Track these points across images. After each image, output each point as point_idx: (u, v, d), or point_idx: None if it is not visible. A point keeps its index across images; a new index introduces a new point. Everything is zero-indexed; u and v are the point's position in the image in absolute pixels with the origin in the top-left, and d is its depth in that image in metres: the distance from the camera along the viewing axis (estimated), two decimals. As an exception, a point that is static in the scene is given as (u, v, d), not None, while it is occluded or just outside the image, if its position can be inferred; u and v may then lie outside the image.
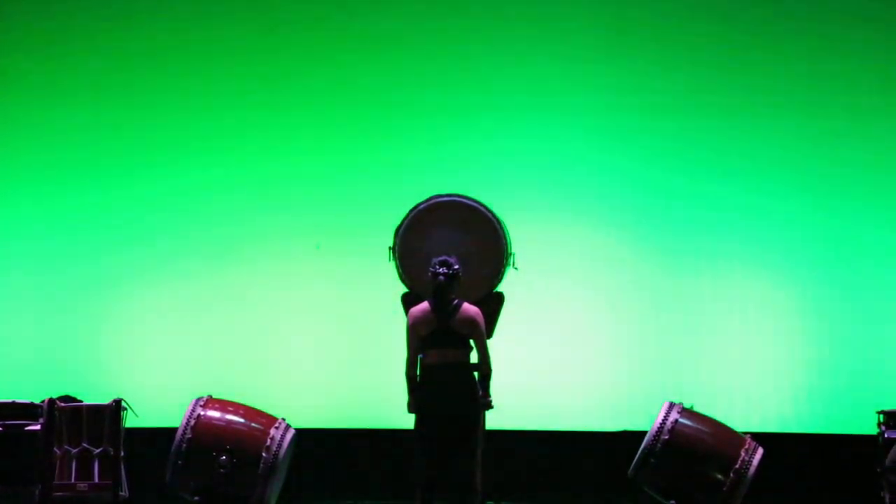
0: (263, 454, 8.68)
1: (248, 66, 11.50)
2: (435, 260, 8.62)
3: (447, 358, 8.51)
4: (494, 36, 11.52)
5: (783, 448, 10.70)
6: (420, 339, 8.56)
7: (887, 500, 9.12)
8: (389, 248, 9.28)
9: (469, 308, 8.61)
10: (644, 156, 11.35)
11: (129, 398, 9.16)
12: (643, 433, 8.88)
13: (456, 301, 8.59)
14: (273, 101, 11.46)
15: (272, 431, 8.76)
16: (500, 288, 9.36)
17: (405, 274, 9.24)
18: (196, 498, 8.82)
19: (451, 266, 8.58)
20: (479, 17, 11.54)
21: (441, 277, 8.53)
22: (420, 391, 8.53)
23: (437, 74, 11.48)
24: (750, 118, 11.37)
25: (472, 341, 8.62)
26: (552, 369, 11.18)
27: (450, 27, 11.55)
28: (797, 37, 11.45)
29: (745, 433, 8.91)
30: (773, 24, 11.44)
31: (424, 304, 8.61)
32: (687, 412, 8.77)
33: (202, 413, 8.75)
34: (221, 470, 8.62)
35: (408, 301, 9.17)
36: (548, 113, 11.41)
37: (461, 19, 11.54)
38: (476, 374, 8.64)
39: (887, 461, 9.04)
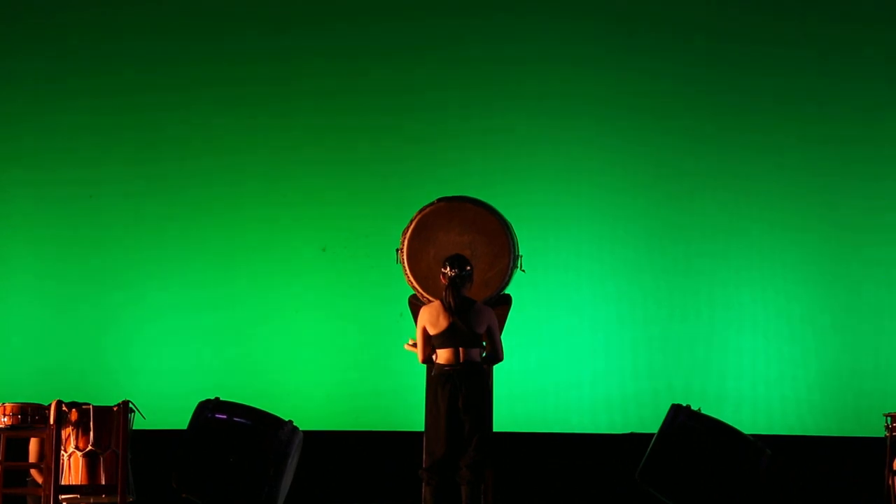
0: (271, 456, 8.72)
1: (254, 70, 11.53)
2: (447, 259, 8.71)
3: (460, 356, 8.58)
4: (499, 37, 11.55)
5: (790, 451, 10.72)
6: (432, 338, 8.63)
7: (894, 501, 9.12)
8: (396, 250, 9.28)
9: (483, 306, 8.70)
10: (653, 158, 11.40)
11: (136, 401, 9.10)
12: (650, 435, 8.93)
13: (469, 299, 8.66)
14: (279, 103, 11.49)
15: (280, 433, 8.79)
16: (507, 290, 9.34)
17: (412, 275, 9.23)
18: (202, 500, 8.84)
19: (464, 265, 8.67)
20: (485, 17, 11.58)
21: (454, 276, 8.62)
22: (432, 390, 8.59)
23: (443, 76, 11.52)
24: (758, 122, 11.42)
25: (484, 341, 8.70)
26: (559, 371, 11.21)
27: (455, 28, 11.58)
28: (802, 39, 11.49)
29: (753, 436, 8.95)
30: (779, 26, 11.48)
31: (436, 303, 8.69)
32: (694, 414, 8.78)
33: (210, 415, 8.77)
34: (229, 472, 8.65)
35: (415, 303, 9.21)
36: (554, 115, 11.44)
37: (466, 19, 11.56)
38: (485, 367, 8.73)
39: (895, 464, 9.07)
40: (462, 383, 8.55)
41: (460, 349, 8.59)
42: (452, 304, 8.61)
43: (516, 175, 11.34)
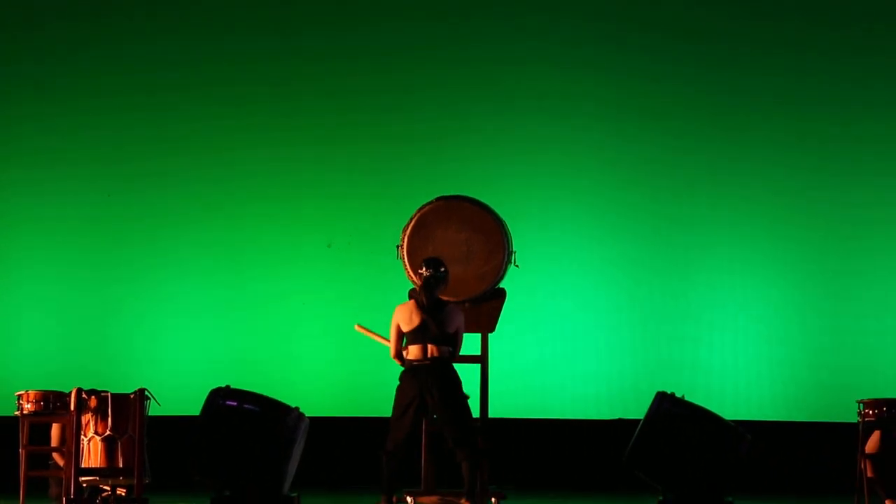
0: (279, 441, 8.77)
1: (260, 71, 11.65)
2: (424, 260, 8.83)
3: (427, 353, 8.71)
4: (499, 39, 11.65)
5: (769, 435, 10.90)
6: (403, 334, 8.78)
7: (866, 483, 9.17)
8: (397, 246, 9.41)
9: (454, 308, 8.81)
10: (644, 155, 11.53)
11: (152, 388, 9.18)
12: (637, 421, 8.99)
13: (441, 300, 8.79)
14: (284, 103, 11.62)
15: (287, 419, 8.81)
16: (502, 284, 9.47)
17: (412, 270, 9.33)
18: (214, 482, 8.88)
19: (439, 267, 8.79)
20: (485, 21, 11.71)
21: (429, 276, 8.74)
22: (402, 382, 8.74)
23: (442, 79, 11.65)
24: (744, 121, 11.57)
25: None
26: (551, 361, 11.34)
27: (454, 32, 11.70)
28: (784, 40, 11.63)
29: (733, 421, 8.98)
30: (774, 29, 11.65)
31: (410, 302, 8.81)
32: (678, 401, 8.81)
33: (221, 402, 8.80)
34: (239, 456, 8.75)
35: (414, 296, 9.18)
36: (554, 115, 11.59)
37: (466, 23, 11.71)
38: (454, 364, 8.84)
39: (866, 448, 9.17)
40: (429, 377, 8.68)
41: (429, 346, 8.71)
42: (425, 302, 8.73)
43: (512, 174, 11.46)
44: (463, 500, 8.77)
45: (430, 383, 8.69)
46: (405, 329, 8.80)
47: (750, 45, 11.61)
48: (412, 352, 8.78)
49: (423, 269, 8.82)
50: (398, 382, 8.84)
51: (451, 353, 8.79)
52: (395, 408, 8.80)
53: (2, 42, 11.67)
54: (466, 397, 8.81)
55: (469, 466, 8.71)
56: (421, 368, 8.73)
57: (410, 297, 9.27)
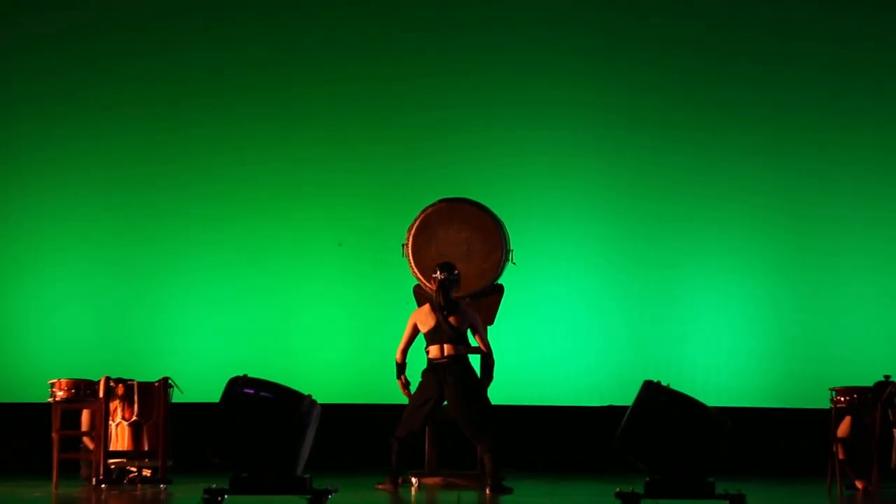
0: (293, 427, 8.79)
1: (273, 79, 11.93)
2: (437, 265, 9.16)
3: (444, 351, 9.11)
4: (499, 48, 11.93)
5: (749, 421, 11.20)
6: (415, 335, 9.16)
7: (838, 464, 9.49)
8: (403, 244, 9.76)
9: (466, 308, 9.16)
10: (637, 159, 11.88)
11: (175, 377, 9.52)
12: (626, 408, 9.04)
13: (455, 301, 9.16)
14: (296, 109, 11.91)
15: (300, 406, 8.74)
16: (500, 280, 9.81)
17: (416, 267, 9.74)
18: (233, 464, 8.93)
19: (452, 270, 9.16)
20: (487, 32, 11.93)
21: (443, 279, 9.08)
22: (424, 378, 9.13)
23: (445, 86, 11.98)
24: (730, 129, 11.91)
25: (472, 336, 9.18)
26: (546, 353, 11.66)
27: (458, 41, 11.99)
28: (770, 51, 11.90)
29: (715, 407, 9.09)
30: (754, 44, 11.91)
31: (425, 306, 9.18)
32: (664, 389, 8.88)
33: (239, 390, 8.77)
34: (256, 440, 8.83)
35: (419, 292, 9.70)
36: (549, 121, 11.90)
37: (467, 31, 11.94)
38: (473, 364, 9.20)
39: (838, 432, 9.46)
40: (448, 374, 9.07)
41: (445, 345, 9.12)
42: (442, 302, 9.08)
43: (514, 175, 11.73)
44: (487, 490, 9.09)
45: (448, 380, 9.06)
46: (423, 330, 9.18)
47: (738, 56, 11.83)
48: (431, 351, 9.17)
49: (438, 272, 9.16)
50: (421, 377, 9.20)
51: (464, 350, 9.13)
52: (413, 399, 9.18)
53: (43, 55, 11.85)
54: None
55: (490, 458, 9.03)
56: (439, 366, 9.13)
57: (415, 293, 9.66)
